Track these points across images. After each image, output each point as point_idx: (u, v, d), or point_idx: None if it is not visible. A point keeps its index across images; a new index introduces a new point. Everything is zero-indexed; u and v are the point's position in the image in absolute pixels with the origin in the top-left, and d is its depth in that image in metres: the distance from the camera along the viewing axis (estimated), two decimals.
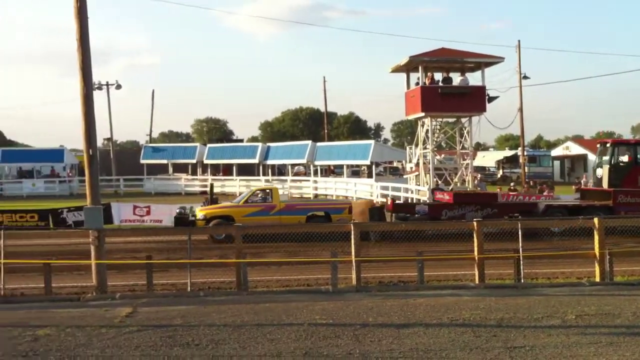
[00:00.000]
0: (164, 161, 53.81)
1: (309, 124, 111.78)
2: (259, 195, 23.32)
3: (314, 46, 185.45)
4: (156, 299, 12.33)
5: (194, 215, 23.43)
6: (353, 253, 13.40)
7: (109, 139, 60.25)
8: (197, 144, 58.78)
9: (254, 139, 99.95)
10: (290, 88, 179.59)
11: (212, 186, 28.46)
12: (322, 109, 78.60)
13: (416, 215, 23.03)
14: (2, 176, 53.12)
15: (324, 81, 68.79)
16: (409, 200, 28.86)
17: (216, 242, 20.54)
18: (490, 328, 9.68)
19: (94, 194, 13.87)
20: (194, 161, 51.99)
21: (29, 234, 20.23)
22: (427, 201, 25.69)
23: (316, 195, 40.96)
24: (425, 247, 15.13)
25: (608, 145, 25.48)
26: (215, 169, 52.17)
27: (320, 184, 43.47)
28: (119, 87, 56.62)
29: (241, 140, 68.69)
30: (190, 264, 13.39)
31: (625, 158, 24.63)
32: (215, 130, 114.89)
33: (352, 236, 13.47)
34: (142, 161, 53.21)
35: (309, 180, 44.62)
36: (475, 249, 13.77)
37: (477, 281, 13.65)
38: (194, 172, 52.57)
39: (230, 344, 8.92)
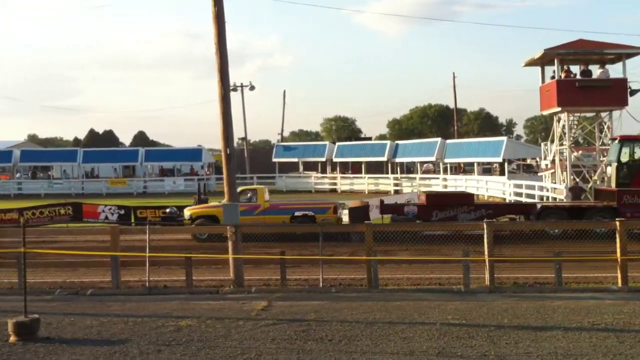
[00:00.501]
0: (295, 159, 55.13)
1: (437, 121, 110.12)
2: (248, 195, 23.25)
3: (443, 42, 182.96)
4: (290, 294, 12.66)
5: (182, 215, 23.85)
6: (486, 252, 13.11)
7: (244, 139, 62.43)
8: (327, 143, 59.70)
9: (382, 137, 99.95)
10: (418, 85, 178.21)
11: (201, 186, 28.66)
12: (451, 106, 77.51)
13: (409, 216, 22.06)
14: (145, 174, 56.70)
15: (454, 77, 67.71)
16: (544, 199, 27.92)
17: (200, 240, 20.91)
18: (635, 333, 9.18)
19: (232, 192, 14.43)
20: (324, 159, 52.83)
21: (171, 229, 21.39)
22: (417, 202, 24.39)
23: None
24: (562, 247, 14.59)
25: (616, 142, 23.22)
26: (344, 167, 52.77)
27: (449, 181, 42.86)
28: (252, 88, 58.57)
29: (369, 139, 68.82)
30: (322, 260, 13.62)
31: (636, 155, 22.36)
32: (343, 129, 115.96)
33: (485, 235, 13.19)
34: (274, 159, 54.85)
35: (438, 178, 44.11)
36: (618, 250, 13.08)
37: (619, 284, 12.97)
38: (324, 170, 53.43)
39: (363, 341, 9.00)
